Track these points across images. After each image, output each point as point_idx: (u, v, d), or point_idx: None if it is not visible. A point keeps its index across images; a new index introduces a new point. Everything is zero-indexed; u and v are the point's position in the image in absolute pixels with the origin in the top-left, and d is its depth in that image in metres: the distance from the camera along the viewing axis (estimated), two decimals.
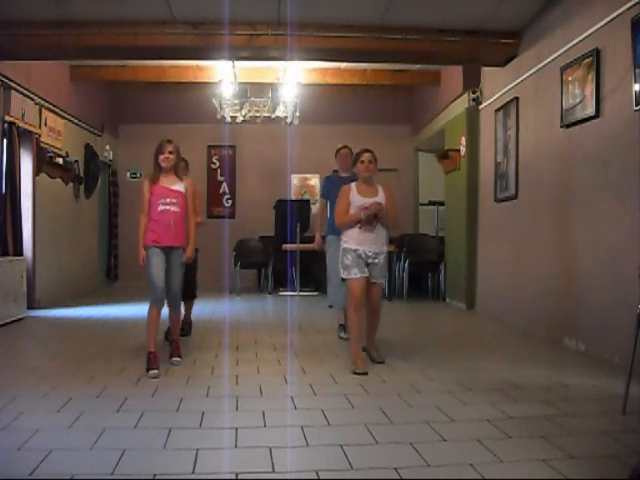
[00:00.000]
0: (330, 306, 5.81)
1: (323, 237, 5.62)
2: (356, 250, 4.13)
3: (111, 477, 2.25)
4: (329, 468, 2.36)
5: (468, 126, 7.37)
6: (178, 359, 4.26)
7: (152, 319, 4.05)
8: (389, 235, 4.45)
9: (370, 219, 4.10)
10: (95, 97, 9.24)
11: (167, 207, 4.03)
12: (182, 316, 5.23)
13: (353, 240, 4.15)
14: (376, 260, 4.17)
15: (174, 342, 4.35)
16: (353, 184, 4.31)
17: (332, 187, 5.16)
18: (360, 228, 4.12)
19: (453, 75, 7.84)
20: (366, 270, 4.13)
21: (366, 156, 4.27)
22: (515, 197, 6.10)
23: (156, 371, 3.86)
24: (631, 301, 3.51)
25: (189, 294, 5.24)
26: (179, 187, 4.11)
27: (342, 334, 5.29)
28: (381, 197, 4.22)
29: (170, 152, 4.07)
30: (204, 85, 8.49)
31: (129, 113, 10.31)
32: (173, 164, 4.11)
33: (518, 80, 6.00)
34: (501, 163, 6.51)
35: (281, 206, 9.18)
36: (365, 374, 3.91)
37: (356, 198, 4.20)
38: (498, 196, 6.59)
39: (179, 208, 4.07)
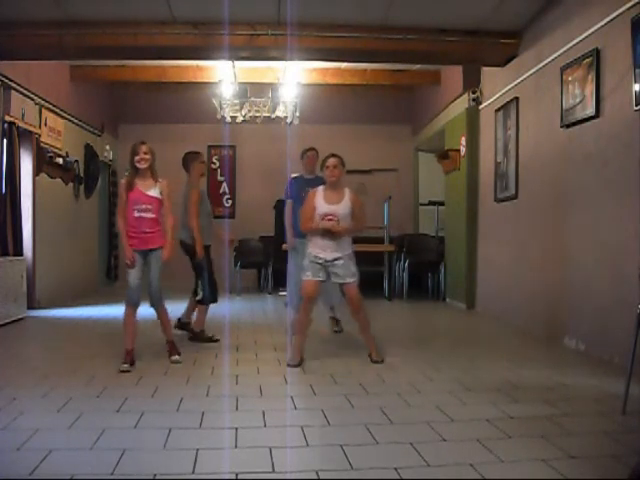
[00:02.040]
0: (286, 304, 5.81)
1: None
2: (316, 255, 4.27)
3: (111, 477, 2.25)
4: (329, 468, 2.36)
5: (468, 126, 7.37)
6: (177, 357, 4.27)
7: (127, 320, 4.17)
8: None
9: (325, 234, 4.22)
10: (95, 97, 9.24)
11: (142, 214, 4.11)
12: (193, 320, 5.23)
13: (315, 245, 4.30)
14: (336, 263, 4.26)
15: (169, 342, 4.36)
16: (320, 189, 4.38)
17: (297, 189, 5.26)
18: (322, 237, 4.25)
19: (453, 75, 7.84)
20: (321, 275, 4.28)
21: (331, 161, 4.34)
22: (515, 197, 6.10)
23: (126, 365, 3.99)
24: (631, 301, 3.51)
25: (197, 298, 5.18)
26: (154, 192, 4.16)
27: (335, 327, 5.56)
28: (345, 203, 4.31)
29: (145, 153, 4.13)
30: (204, 85, 8.49)
31: (129, 113, 10.31)
32: (149, 165, 4.16)
33: (518, 80, 6.00)
34: (501, 163, 6.51)
35: (281, 206, 9.15)
36: (297, 366, 4.11)
37: (321, 204, 4.28)
38: (498, 196, 6.59)
39: (154, 214, 4.15)
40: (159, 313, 4.30)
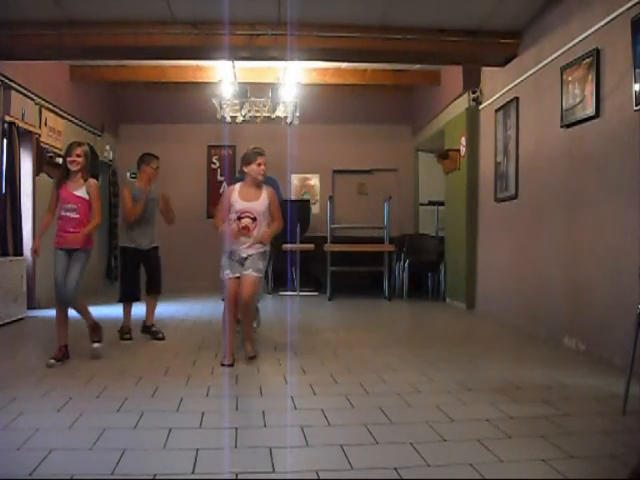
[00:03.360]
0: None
1: None
2: (231, 252, 4.30)
3: (111, 477, 2.25)
4: (329, 468, 2.36)
5: (468, 126, 7.37)
6: (98, 344, 4.39)
7: (58, 318, 4.26)
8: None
9: (241, 232, 4.26)
10: (95, 97, 9.24)
11: (68, 213, 4.23)
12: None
13: (231, 243, 4.31)
14: (249, 258, 4.28)
15: (90, 326, 4.42)
16: (237, 185, 4.41)
17: None
18: (236, 233, 4.27)
19: (453, 75, 7.84)
20: (240, 270, 4.27)
21: (262, 159, 4.34)
22: (515, 197, 6.10)
23: (52, 361, 4.08)
24: (631, 301, 3.51)
25: (155, 290, 5.28)
26: (81, 192, 4.25)
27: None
28: (263, 200, 4.34)
29: (78, 155, 4.24)
30: (204, 85, 8.49)
31: (129, 113, 10.31)
32: (81, 167, 4.26)
33: (518, 80, 6.00)
34: (501, 163, 6.51)
35: (281, 206, 9.16)
36: (231, 366, 4.11)
37: (237, 202, 4.31)
38: (498, 196, 6.59)
39: (79, 214, 4.24)
40: (77, 311, 4.34)
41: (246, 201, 4.30)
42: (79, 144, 4.30)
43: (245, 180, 4.41)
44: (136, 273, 5.19)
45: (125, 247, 5.18)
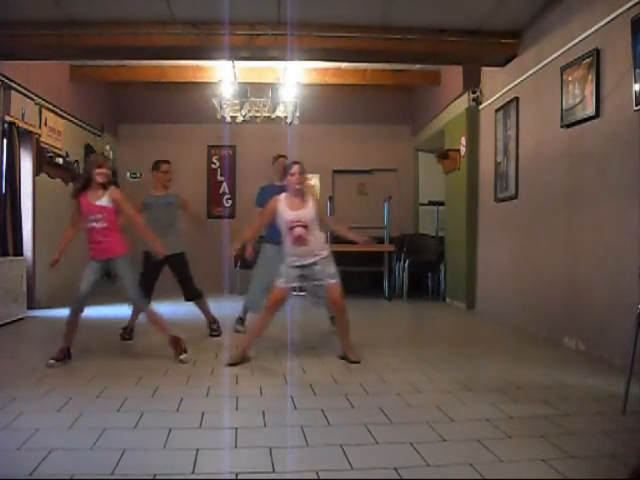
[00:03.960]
0: (245, 310, 5.73)
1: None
2: (292, 263, 4.31)
3: (111, 477, 2.25)
4: (329, 468, 2.36)
5: (468, 126, 7.37)
6: (185, 356, 4.31)
7: (72, 321, 4.25)
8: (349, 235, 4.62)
9: (296, 242, 4.27)
10: (95, 97, 9.24)
11: (94, 224, 4.21)
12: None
13: (290, 254, 4.34)
14: (314, 267, 4.30)
15: (171, 339, 4.35)
16: (282, 196, 4.41)
17: (268, 196, 5.21)
18: (293, 244, 4.29)
19: (453, 75, 7.84)
20: (296, 282, 4.34)
21: (295, 168, 4.36)
22: (515, 197, 6.10)
23: (52, 361, 4.10)
24: (631, 301, 3.51)
25: (190, 295, 5.33)
26: (103, 202, 4.23)
27: (239, 327, 5.62)
28: (310, 208, 4.34)
29: (109, 168, 4.34)
30: (204, 85, 8.48)
31: (129, 113, 10.30)
32: (108, 180, 4.30)
33: (518, 80, 6.00)
34: (501, 163, 6.51)
35: None
36: (235, 365, 4.16)
37: (286, 212, 4.32)
38: (498, 196, 6.59)
39: (106, 222, 4.23)
40: (146, 315, 4.37)
41: (294, 210, 4.30)
42: (105, 158, 4.33)
43: (288, 191, 4.43)
44: (151, 277, 5.14)
45: (145, 251, 5.12)
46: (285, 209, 4.31)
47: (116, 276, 4.25)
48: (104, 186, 4.24)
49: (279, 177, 5.39)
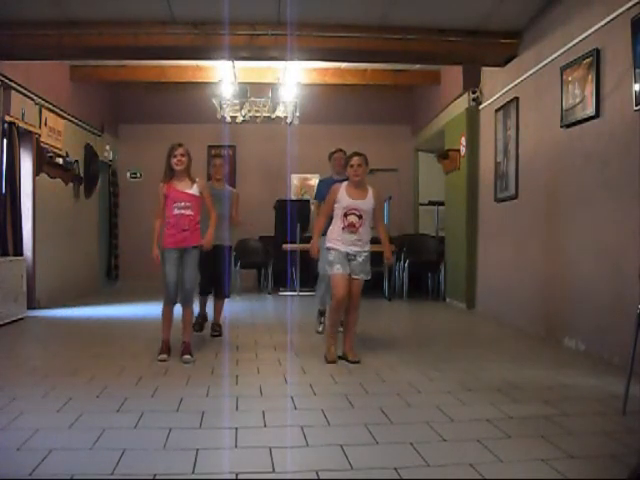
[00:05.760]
0: (320, 311, 5.62)
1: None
2: (338, 249, 4.30)
3: (111, 477, 2.25)
4: (329, 468, 2.36)
5: (468, 126, 7.37)
6: (188, 357, 4.31)
7: (166, 317, 4.41)
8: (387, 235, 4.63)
9: (349, 227, 4.28)
10: (95, 97, 9.24)
11: (182, 211, 4.27)
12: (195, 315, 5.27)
13: (335, 240, 4.32)
14: (358, 258, 4.31)
15: (185, 343, 4.39)
16: (344, 184, 4.42)
17: (327, 189, 5.21)
18: (343, 229, 4.29)
19: (453, 75, 7.84)
20: (349, 268, 4.30)
21: (355, 160, 4.35)
22: (515, 197, 6.10)
23: (164, 355, 4.27)
24: (631, 301, 3.51)
25: (220, 293, 5.43)
26: (193, 190, 4.31)
27: (320, 328, 5.55)
28: (369, 200, 4.34)
29: (182, 155, 4.30)
30: (204, 85, 8.48)
31: (129, 113, 10.31)
32: (185, 167, 4.31)
33: (518, 80, 6.00)
34: (501, 163, 6.51)
35: (281, 206, 9.18)
36: (334, 362, 4.25)
37: (344, 199, 4.32)
38: (498, 196, 6.59)
39: (193, 211, 4.30)
40: (185, 313, 4.43)
41: (353, 199, 4.32)
42: (180, 144, 4.34)
43: (349, 181, 4.44)
44: (207, 268, 5.19)
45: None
46: (344, 195, 4.33)
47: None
48: (190, 177, 4.33)
49: (336, 171, 5.42)
